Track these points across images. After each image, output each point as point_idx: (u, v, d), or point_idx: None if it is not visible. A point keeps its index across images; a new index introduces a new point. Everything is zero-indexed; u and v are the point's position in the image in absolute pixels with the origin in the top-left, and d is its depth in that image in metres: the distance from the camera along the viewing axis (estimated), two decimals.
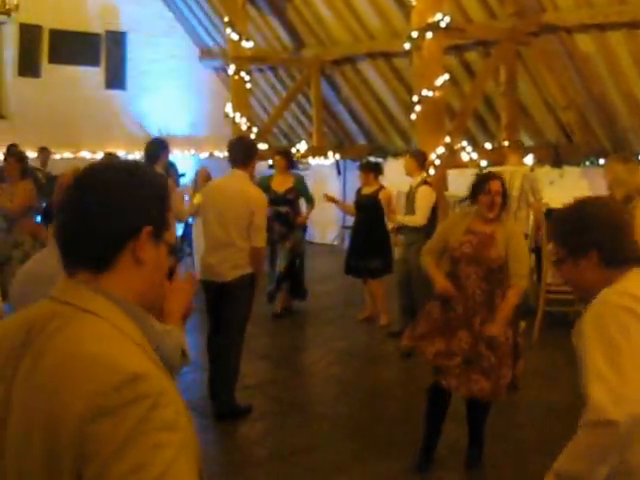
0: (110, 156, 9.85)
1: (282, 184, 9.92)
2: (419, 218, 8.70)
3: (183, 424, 1.64)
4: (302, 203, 10.41)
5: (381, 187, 9.72)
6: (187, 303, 2.79)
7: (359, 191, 10.00)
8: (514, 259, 5.42)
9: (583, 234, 2.82)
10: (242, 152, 6.89)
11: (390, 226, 9.61)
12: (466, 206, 5.97)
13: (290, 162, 10.16)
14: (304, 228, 10.62)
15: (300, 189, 10.17)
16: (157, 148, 7.82)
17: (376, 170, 9.88)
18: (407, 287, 8.81)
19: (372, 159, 12.44)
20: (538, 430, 6.37)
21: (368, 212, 9.66)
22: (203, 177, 9.81)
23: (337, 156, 15.40)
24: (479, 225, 5.55)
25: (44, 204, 9.31)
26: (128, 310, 1.76)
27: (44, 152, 13.65)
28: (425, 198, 8.77)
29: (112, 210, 1.76)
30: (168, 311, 2.70)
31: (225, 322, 6.79)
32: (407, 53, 11.56)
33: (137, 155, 15.46)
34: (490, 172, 6.46)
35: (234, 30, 13.70)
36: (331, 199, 10.24)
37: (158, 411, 1.57)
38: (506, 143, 11.00)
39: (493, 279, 5.44)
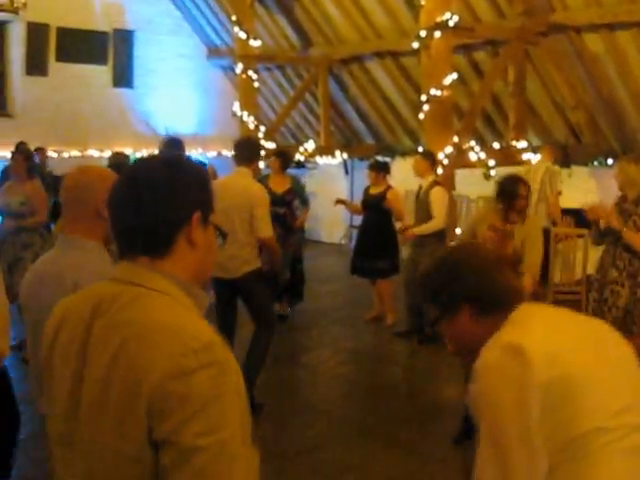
0: (119, 155, 9.82)
1: (280, 185, 9.85)
2: (438, 222, 8.70)
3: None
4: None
5: (389, 187, 9.68)
6: None
7: (367, 190, 9.94)
8: (527, 252, 5.96)
9: (449, 288, 2.54)
10: (247, 150, 7.08)
11: (398, 226, 9.57)
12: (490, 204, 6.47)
13: (285, 163, 10.07)
14: (302, 230, 10.59)
15: (296, 190, 10.11)
16: (173, 148, 7.86)
17: (385, 169, 9.84)
18: (414, 287, 8.79)
19: (380, 158, 12.41)
20: None
21: (376, 212, 9.63)
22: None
23: (345, 155, 15.37)
24: (501, 222, 6.03)
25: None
26: (186, 288, 1.94)
27: (41, 151, 13.65)
28: (441, 200, 8.77)
29: (166, 202, 1.93)
30: None
31: (254, 319, 6.98)
32: (415, 52, 11.53)
33: (144, 153, 15.47)
34: (516, 176, 6.59)
35: (242, 29, 13.68)
36: (341, 202, 10.24)
37: (228, 376, 1.75)
38: (516, 143, 10.98)
39: None
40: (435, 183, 8.89)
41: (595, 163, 11.77)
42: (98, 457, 1.79)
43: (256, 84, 13.95)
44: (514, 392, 2.16)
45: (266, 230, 6.73)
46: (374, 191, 9.72)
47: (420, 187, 9.03)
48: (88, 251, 3.11)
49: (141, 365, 1.73)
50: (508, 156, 11.44)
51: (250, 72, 13.69)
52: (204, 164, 8.89)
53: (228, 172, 12.47)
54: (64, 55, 15.37)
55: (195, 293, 1.97)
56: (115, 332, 1.82)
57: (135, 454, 1.72)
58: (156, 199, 1.92)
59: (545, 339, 2.26)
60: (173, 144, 8.03)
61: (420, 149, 12.77)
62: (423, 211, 8.80)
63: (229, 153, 16.37)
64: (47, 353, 2.00)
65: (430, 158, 9.14)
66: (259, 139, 13.55)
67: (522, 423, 2.13)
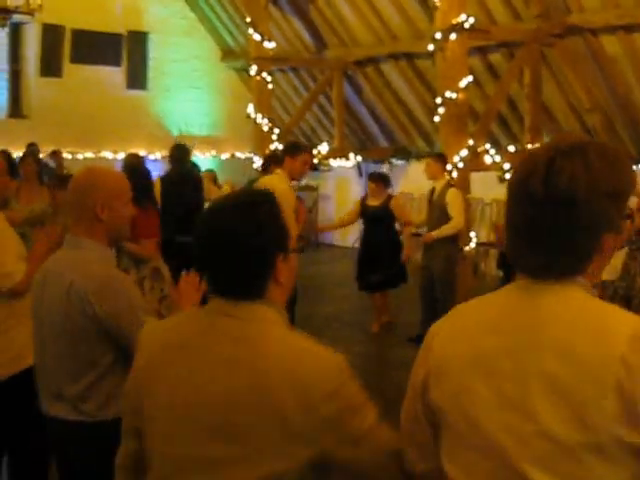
0: (133, 156, 9.79)
1: None
2: (458, 222, 8.61)
3: None
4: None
5: (390, 196, 9.54)
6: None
7: (363, 202, 9.66)
8: None
9: None
10: (282, 151, 7.22)
11: (407, 232, 9.45)
12: None
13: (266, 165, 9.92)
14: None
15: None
16: (181, 152, 7.88)
17: (385, 181, 9.70)
18: (430, 293, 8.73)
19: (394, 161, 12.34)
20: None
21: (378, 224, 9.41)
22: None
23: (359, 158, 15.31)
24: None
25: None
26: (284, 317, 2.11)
27: (56, 155, 13.64)
28: (458, 200, 8.67)
29: (254, 261, 2.01)
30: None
31: None
32: (430, 54, 11.46)
33: (158, 155, 15.49)
34: None
35: (256, 30, 13.65)
36: (323, 229, 10.13)
37: (354, 382, 2.06)
38: (532, 146, 10.89)
39: None
40: (449, 185, 8.80)
41: None
42: None
43: (270, 86, 13.92)
44: None
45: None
46: (373, 203, 9.47)
47: (433, 190, 8.92)
48: (89, 251, 3.11)
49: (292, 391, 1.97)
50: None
51: (264, 74, 13.66)
52: (211, 170, 8.89)
53: (242, 175, 12.49)
54: (79, 56, 15.41)
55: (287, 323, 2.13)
56: (238, 364, 1.99)
57: None
58: (245, 257, 2.00)
59: None
60: (182, 151, 8.05)
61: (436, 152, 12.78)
62: (437, 214, 8.70)
63: (242, 155, 16.39)
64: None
65: (442, 160, 9.06)
66: (273, 141, 13.54)
67: None
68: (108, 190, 3.12)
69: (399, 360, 8.60)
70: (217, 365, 1.98)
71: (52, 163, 13.63)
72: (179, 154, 8.86)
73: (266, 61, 13.78)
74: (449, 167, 10.38)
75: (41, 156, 13.16)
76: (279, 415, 1.89)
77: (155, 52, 16.40)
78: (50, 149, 14.21)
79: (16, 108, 15.22)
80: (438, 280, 8.55)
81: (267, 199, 2.12)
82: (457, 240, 8.92)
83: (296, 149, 7.49)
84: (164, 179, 8.66)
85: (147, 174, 6.58)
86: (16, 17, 12.23)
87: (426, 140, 14.79)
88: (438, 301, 8.58)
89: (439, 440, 1.94)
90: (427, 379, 2.03)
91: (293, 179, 7.45)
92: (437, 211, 8.71)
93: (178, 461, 2.00)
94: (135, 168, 6.49)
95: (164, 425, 2.03)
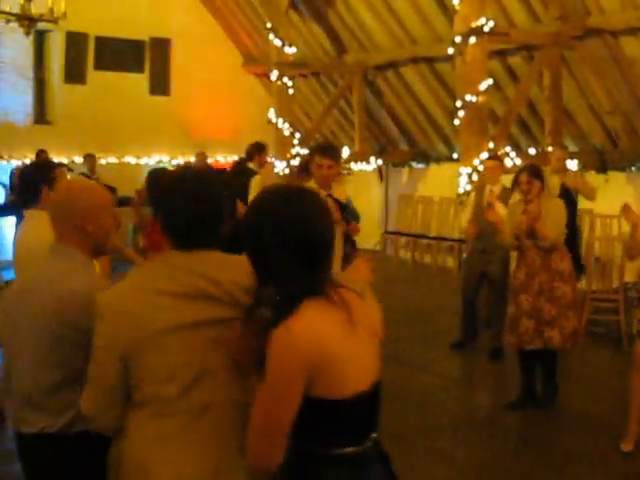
0: (157, 169, 9.84)
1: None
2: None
3: None
4: None
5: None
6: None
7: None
8: (549, 220, 6.65)
9: None
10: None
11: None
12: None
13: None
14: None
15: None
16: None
17: None
18: (474, 298, 8.72)
19: (415, 164, 12.30)
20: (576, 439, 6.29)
21: None
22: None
23: (379, 161, 15.35)
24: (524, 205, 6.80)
25: None
26: None
27: (90, 158, 13.77)
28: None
29: None
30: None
31: None
32: (450, 58, 11.50)
33: (180, 160, 15.59)
34: (522, 167, 7.31)
35: (277, 36, 13.74)
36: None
37: None
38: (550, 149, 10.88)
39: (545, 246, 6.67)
40: (506, 188, 8.22)
41: (632, 169, 11.63)
42: None
43: (291, 91, 13.99)
44: None
45: None
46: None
47: (490, 192, 8.38)
48: (77, 263, 3.11)
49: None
50: (544, 162, 11.34)
51: (285, 79, 13.74)
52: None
53: (264, 179, 12.53)
54: (102, 63, 15.56)
55: None
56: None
57: None
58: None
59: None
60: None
61: (455, 155, 12.80)
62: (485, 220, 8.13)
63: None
64: None
65: (502, 162, 8.89)
66: (294, 146, 13.60)
67: None
68: (91, 202, 3.12)
69: (421, 363, 8.62)
70: None
71: (85, 167, 13.74)
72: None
73: (287, 66, 13.87)
74: (469, 170, 10.44)
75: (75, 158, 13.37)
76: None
77: (177, 58, 16.52)
78: (74, 155, 14.38)
79: (41, 115, 15.37)
80: (496, 285, 8.47)
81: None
82: None
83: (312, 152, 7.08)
84: None
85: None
86: (40, 25, 12.35)
87: (446, 143, 14.81)
88: (491, 306, 8.58)
89: None
90: None
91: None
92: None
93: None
94: (155, 181, 6.35)
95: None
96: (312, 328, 2.30)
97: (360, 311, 2.42)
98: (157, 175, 6.45)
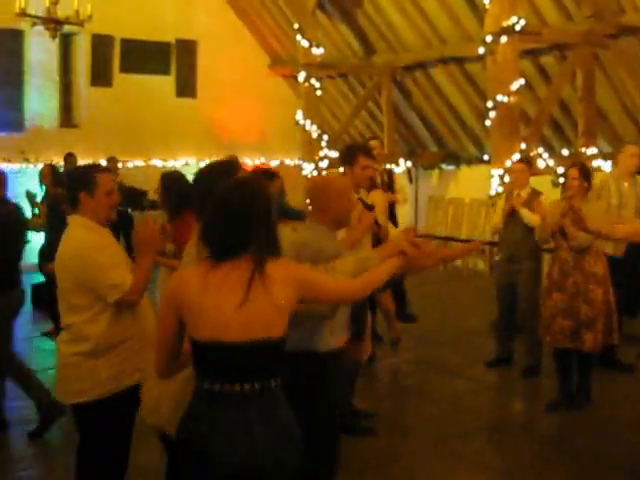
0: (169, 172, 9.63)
1: None
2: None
3: None
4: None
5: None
6: None
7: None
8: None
9: None
10: (340, 156, 6.77)
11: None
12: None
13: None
14: None
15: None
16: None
17: None
18: (507, 312, 8.25)
19: (444, 166, 12.13)
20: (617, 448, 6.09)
21: None
22: None
23: (408, 163, 15.19)
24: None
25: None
26: None
27: (112, 161, 13.70)
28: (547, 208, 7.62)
29: None
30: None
31: None
32: (480, 58, 11.35)
33: (208, 163, 15.47)
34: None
35: (304, 37, 13.65)
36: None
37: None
38: (585, 150, 10.65)
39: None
40: (536, 192, 8.02)
41: None
42: None
43: (319, 92, 13.89)
44: None
45: None
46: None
47: (517, 195, 8.02)
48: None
49: None
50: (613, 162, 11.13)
51: (313, 80, 13.64)
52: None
53: (291, 181, 12.42)
54: (128, 66, 15.52)
55: None
56: None
57: None
58: None
59: None
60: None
61: (485, 156, 12.62)
62: (522, 221, 7.88)
63: (292, 162, 16.36)
64: None
65: (530, 166, 8.55)
66: (322, 148, 13.48)
67: None
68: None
69: (451, 367, 8.44)
70: None
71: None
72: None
73: (314, 67, 13.77)
74: (501, 171, 10.25)
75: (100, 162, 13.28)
76: None
77: (204, 60, 16.45)
78: (100, 158, 14.31)
79: (67, 118, 15.36)
80: (525, 297, 8.03)
81: None
82: (540, 252, 8.22)
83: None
84: None
85: (179, 187, 6.08)
86: (66, 28, 12.34)
87: (476, 145, 14.63)
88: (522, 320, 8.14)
89: None
90: None
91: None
92: (521, 219, 7.95)
93: None
94: (172, 183, 6.25)
95: None
96: (181, 277, 3.14)
97: (272, 275, 2.97)
98: (173, 180, 6.34)
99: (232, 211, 3.00)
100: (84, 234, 4.13)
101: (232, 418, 2.96)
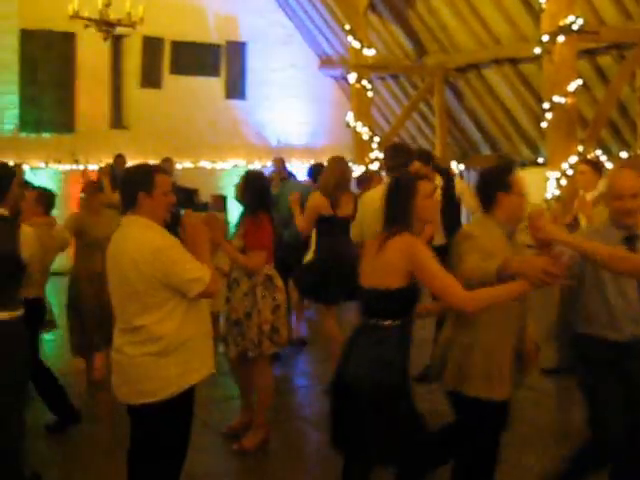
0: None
1: None
2: None
3: None
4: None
5: None
6: None
7: None
8: None
9: None
10: (389, 159, 6.67)
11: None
12: None
13: None
14: None
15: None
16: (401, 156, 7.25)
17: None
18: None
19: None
20: None
21: None
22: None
23: (461, 167, 14.96)
24: None
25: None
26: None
27: (167, 162, 13.62)
28: None
29: None
30: None
31: None
32: (536, 58, 11.12)
33: (257, 165, 15.42)
34: None
35: (356, 38, 13.52)
36: None
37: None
38: None
39: None
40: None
41: None
42: None
43: (370, 94, 13.75)
44: None
45: None
46: None
47: (580, 198, 7.52)
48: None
49: None
50: None
51: (364, 81, 13.49)
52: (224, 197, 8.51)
53: None
54: (178, 68, 15.50)
55: None
56: None
57: None
58: None
59: None
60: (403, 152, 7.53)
61: (540, 159, 12.35)
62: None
63: None
64: None
65: (599, 169, 8.23)
66: (373, 150, 13.32)
67: None
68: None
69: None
70: None
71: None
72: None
73: (366, 68, 13.63)
74: (558, 174, 10.00)
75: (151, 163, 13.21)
76: None
77: (253, 62, 16.37)
78: (150, 159, 14.27)
79: (117, 119, 15.37)
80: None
81: None
82: None
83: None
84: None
85: (262, 185, 6.23)
86: (117, 30, 12.34)
87: (530, 147, 14.35)
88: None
89: None
90: None
91: None
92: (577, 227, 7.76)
93: None
94: (255, 180, 6.24)
95: None
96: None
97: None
98: (257, 177, 6.38)
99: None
100: (152, 234, 4.14)
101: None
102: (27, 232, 4.73)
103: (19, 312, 4.70)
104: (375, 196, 6.28)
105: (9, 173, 5.05)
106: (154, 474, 4.27)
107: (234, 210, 8.59)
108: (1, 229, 4.68)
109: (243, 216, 6.11)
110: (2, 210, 4.73)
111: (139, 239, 4.14)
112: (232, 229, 6.73)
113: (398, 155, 6.61)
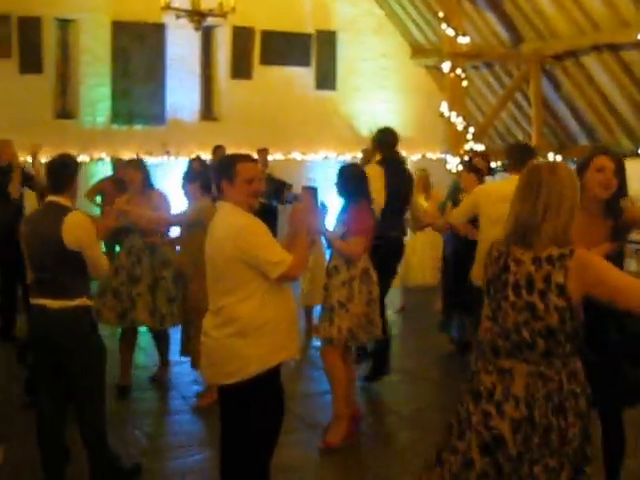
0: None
1: None
2: None
3: None
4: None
5: None
6: None
7: None
8: None
9: None
10: (512, 158, 6.83)
11: None
12: None
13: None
14: None
15: None
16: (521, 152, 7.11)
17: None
18: None
19: None
20: None
21: None
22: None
23: (558, 158, 14.52)
24: None
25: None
26: None
27: (263, 153, 13.55)
28: None
29: None
30: None
31: None
32: (637, 44, 10.66)
33: (347, 157, 15.25)
34: None
35: (450, 26, 13.24)
36: None
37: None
38: None
39: None
40: None
41: None
42: None
43: (465, 83, 13.46)
44: None
45: None
46: None
47: None
48: None
49: None
50: None
51: (458, 70, 13.19)
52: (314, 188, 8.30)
53: (433, 175, 12.02)
54: (268, 58, 15.43)
55: None
56: None
57: None
58: None
59: None
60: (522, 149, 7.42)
61: None
62: None
63: (434, 156, 15.94)
64: None
65: None
66: (467, 141, 13.02)
67: None
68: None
69: None
70: None
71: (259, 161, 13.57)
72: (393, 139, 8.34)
73: (460, 57, 13.33)
74: None
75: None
76: None
77: (344, 51, 16.21)
78: (242, 150, 14.21)
79: (207, 111, 15.39)
80: None
81: None
82: None
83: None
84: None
85: (359, 175, 6.47)
86: (208, 21, 12.35)
87: (631, 138, 13.83)
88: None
89: None
90: None
91: None
92: None
93: None
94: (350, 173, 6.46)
95: None
96: None
97: None
98: (352, 167, 6.84)
99: None
100: (235, 217, 4.40)
101: None
102: (74, 219, 4.89)
103: (76, 302, 4.93)
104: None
105: (70, 164, 5.20)
106: (244, 458, 4.43)
107: (328, 203, 8.47)
108: (49, 216, 4.92)
109: (345, 206, 6.35)
110: (60, 199, 4.96)
111: (225, 221, 4.44)
112: (324, 221, 6.82)
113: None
